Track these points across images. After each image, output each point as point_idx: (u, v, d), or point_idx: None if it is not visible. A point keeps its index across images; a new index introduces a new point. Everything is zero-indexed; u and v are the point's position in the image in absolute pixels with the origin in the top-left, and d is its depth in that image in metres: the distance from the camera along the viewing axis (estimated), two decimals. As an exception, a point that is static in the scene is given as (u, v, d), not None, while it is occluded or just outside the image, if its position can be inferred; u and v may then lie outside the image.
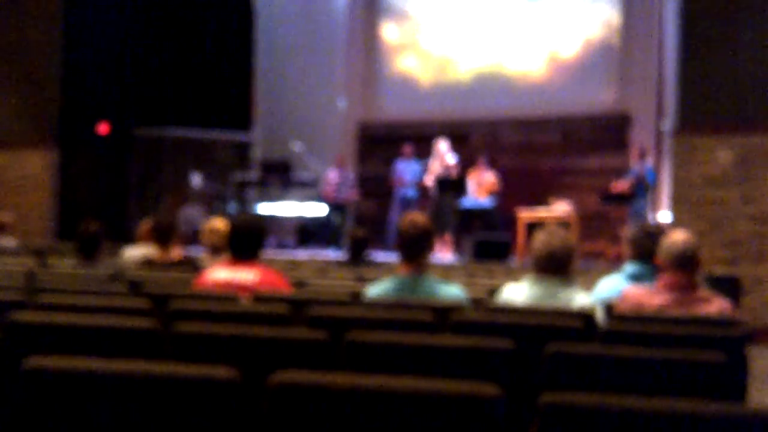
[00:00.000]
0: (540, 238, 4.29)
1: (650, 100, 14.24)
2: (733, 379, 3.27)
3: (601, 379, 2.82)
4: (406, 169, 14.06)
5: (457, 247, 13.11)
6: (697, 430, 1.99)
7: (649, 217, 12.70)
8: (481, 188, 13.40)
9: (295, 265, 8.71)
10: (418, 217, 4.52)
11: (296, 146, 14.42)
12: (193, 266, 6.30)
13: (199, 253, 7.79)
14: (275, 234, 14.19)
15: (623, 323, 3.73)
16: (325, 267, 7.99)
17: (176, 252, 6.69)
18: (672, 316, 3.94)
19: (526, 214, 12.71)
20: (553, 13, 15.56)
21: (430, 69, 16.52)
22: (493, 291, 4.85)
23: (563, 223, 12.06)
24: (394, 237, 4.60)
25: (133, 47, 15.18)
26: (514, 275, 7.11)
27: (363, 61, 16.84)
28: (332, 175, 14.26)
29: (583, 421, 2.03)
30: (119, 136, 15.02)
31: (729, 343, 3.30)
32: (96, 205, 13.94)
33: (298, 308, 3.75)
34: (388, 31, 16.85)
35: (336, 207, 14.08)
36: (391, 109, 16.57)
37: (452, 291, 4.40)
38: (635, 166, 12.95)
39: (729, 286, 8.84)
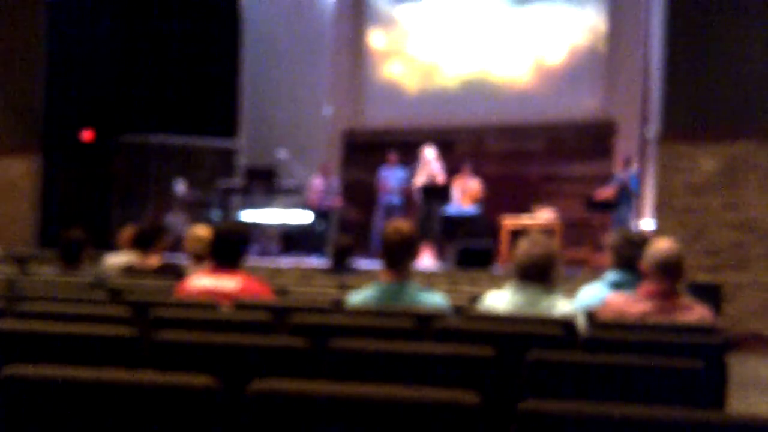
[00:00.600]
0: (522, 246, 4.30)
1: (635, 107, 14.28)
2: (712, 386, 3.29)
3: (581, 386, 2.83)
4: (390, 176, 14.07)
5: (441, 254, 13.11)
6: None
7: (633, 224, 12.74)
8: (465, 195, 13.42)
9: (278, 272, 8.70)
10: (402, 224, 4.51)
11: (281, 153, 14.40)
12: (174, 273, 6.28)
13: (182, 260, 7.77)
14: (259, 241, 14.16)
15: (604, 331, 3.74)
16: (308, 274, 7.98)
17: (157, 259, 6.67)
18: (653, 323, 3.95)
19: (510, 222, 12.73)
20: (539, 20, 15.60)
21: (415, 76, 16.54)
22: (475, 298, 4.86)
23: (547, 230, 12.07)
24: (378, 244, 4.59)
25: (118, 53, 15.16)
26: (497, 282, 7.11)
27: (349, 68, 16.84)
28: (317, 182, 14.25)
29: (561, 429, 2.03)
30: (103, 143, 14.99)
31: (708, 351, 3.31)
32: (79, 212, 13.89)
33: (279, 316, 3.75)
34: (374, 38, 16.86)
35: (320, 214, 14.06)
36: (377, 116, 16.57)
37: (434, 298, 4.40)
38: (619, 173, 12.99)
39: (711, 294, 8.88)
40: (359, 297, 4.44)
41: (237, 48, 16.04)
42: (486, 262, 11.77)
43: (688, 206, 10.42)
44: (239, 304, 4.33)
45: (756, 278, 10.11)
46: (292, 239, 14.33)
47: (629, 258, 4.55)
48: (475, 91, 15.90)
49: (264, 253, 13.98)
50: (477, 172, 13.87)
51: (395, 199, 14.06)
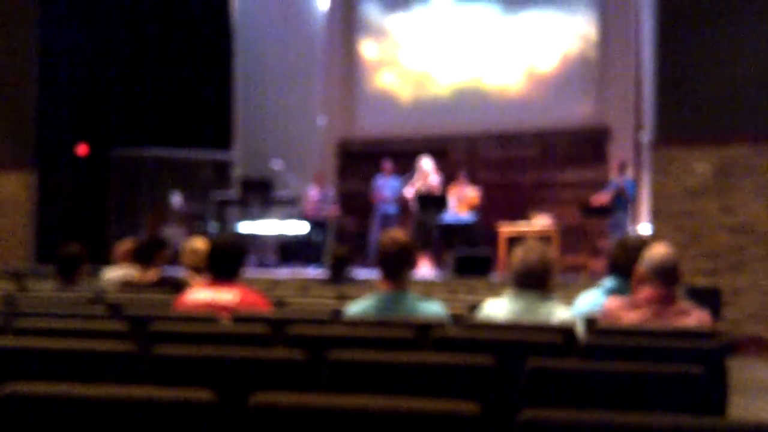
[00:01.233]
0: (518, 254, 4.30)
1: (628, 113, 14.30)
2: (713, 391, 3.28)
3: (581, 394, 2.82)
4: (385, 186, 14.07)
5: (439, 262, 13.11)
6: (676, 445, 1.99)
7: (629, 229, 12.75)
8: (461, 203, 13.42)
9: (275, 283, 8.69)
10: (398, 234, 4.52)
11: (276, 164, 14.40)
12: (173, 287, 6.27)
13: (179, 273, 7.76)
14: (256, 252, 14.15)
15: (603, 337, 3.73)
16: (306, 285, 7.98)
17: (156, 273, 6.66)
18: (651, 329, 3.95)
19: (506, 229, 12.74)
20: (530, 28, 15.63)
21: (409, 85, 16.56)
22: (473, 307, 4.85)
23: (544, 236, 12.08)
24: (374, 253, 4.59)
25: (111, 67, 15.16)
26: (495, 290, 7.11)
27: (342, 78, 16.86)
28: (312, 193, 14.25)
29: (562, 438, 2.03)
30: (98, 157, 14.97)
31: (708, 356, 3.31)
32: (76, 226, 13.86)
33: (278, 328, 3.74)
34: (367, 48, 16.88)
35: (317, 224, 14.05)
36: (371, 126, 16.58)
37: (432, 308, 4.39)
38: (615, 178, 13.00)
39: (709, 298, 8.89)
40: (358, 307, 4.44)
41: (229, 60, 16.04)
42: (484, 269, 11.77)
43: (684, 210, 10.43)
44: (237, 316, 4.32)
45: (754, 281, 10.11)
46: (289, 250, 14.32)
47: (625, 264, 4.54)
48: (468, 100, 15.92)
49: (261, 264, 13.97)
50: (472, 179, 13.87)
51: (391, 208, 14.06)
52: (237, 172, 15.84)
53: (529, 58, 15.66)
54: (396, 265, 4.39)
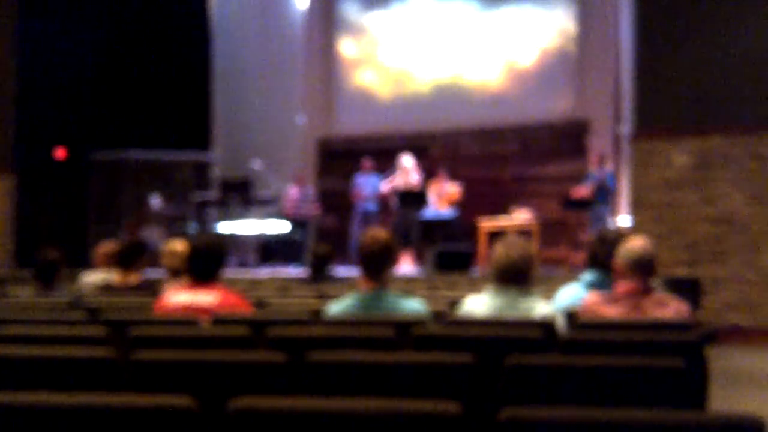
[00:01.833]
0: (499, 249, 4.30)
1: (607, 106, 14.33)
2: (694, 383, 3.29)
3: (563, 389, 2.82)
4: (366, 183, 14.05)
5: (420, 258, 13.10)
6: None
7: (610, 222, 12.78)
8: (442, 199, 13.42)
9: (256, 284, 8.67)
10: (379, 232, 4.50)
11: (256, 164, 14.36)
12: (153, 290, 6.23)
13: (159, 275, 7.72)
14: (237, 252, 14.11)
15: (584, 332, 3.74)
16: (286, 285, 7.96)
17: (137, 276, 6.60)
18: (632, 322, 3.96)
19: (487, 224, 12.74)
20: (509, 23, 15.63)
21: (388, 83, 16.55)
22: (454, 303, 4.84)
23: (524, 231, 12.09)
24: (355, 251, 4.58)
25: (88, 70, 15.07)
26: (476, 285, 7.12)
27: (321, 77, 16.83)
28: (292, 192, 14.22)
29: (543, 436, 2.03)
30: (76, 161, 14.89)
31: (688, 348, 3.31)
32: (55, 230, 13.80)
33: (258, 330, 3.72)
34: (345, 47, 16.86)
35: (297, 223, 14.03)
36: (350, 124, 16.56)
37: (413, 305, 4.38)
38: (595, 171, 13.03)
39: (689, 288, 8.94)
40: (338, 307, 4.42)
41: (208, 60, 15.99)
42: (465, 265, 11.78)
43: (664, 202, 10.48)
44: (218, 319, 4.30)
45: (733, 271, 10.17)
46: (270, 250, 14.28)
47: (604, 257, 4.55)
48: (447, 96, 15.92)
49: (242, 264, 13.93)
50: (452, 175, 13.87)
51: (371, 206, 14.04)
52: (216, 173, 15.79)
53: (508, 54, 15.66)
54: (377, 264, 4.38)
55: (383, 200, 13.87)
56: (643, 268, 4.20)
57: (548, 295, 4.98)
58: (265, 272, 12.38)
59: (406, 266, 12.70)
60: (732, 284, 10.17)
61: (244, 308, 4.77)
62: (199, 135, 15.84)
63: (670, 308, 4.15)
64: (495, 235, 11.28)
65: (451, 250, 12.16)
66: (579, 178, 13.47)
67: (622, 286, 4.23)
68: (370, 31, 16.66)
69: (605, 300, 4.23)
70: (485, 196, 14.50)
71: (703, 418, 2.10)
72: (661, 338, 3.47)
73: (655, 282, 4.68)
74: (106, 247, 7.69)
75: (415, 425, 2.11)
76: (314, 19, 16.77)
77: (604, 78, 14.45)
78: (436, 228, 13.22)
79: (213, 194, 14.60)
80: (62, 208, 14.76)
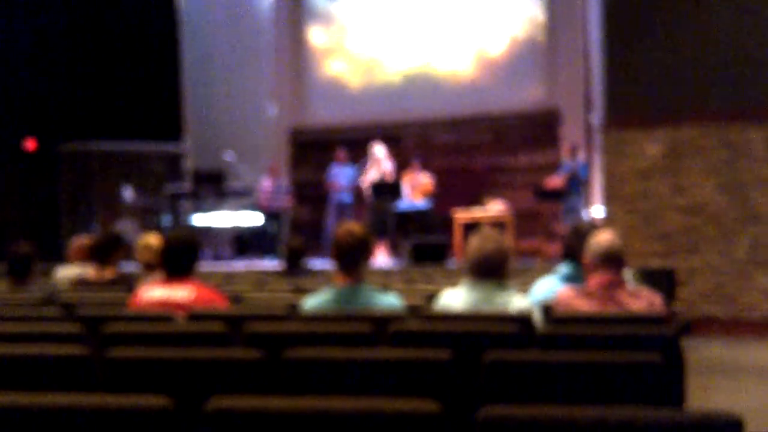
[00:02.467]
0: (474, 243, 4.29)
1: (578, 95, 14.38)
2: (671, 377, 3.30)
3: (541, 385, 2.82)
4: (340, 174, 14.03)
5: (395, 250, 13.10)
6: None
7: (583, 212, 12.82)
8: (416, 190, 13.42)
9: (231, 277, 8.63)
10: (354, 226, 4.49)
11: (228, 155, 14.30)
12: (129, 285, 6.18)
13: (133, 269, 7.67)
14: (211, 245, 14.06)
15: (561, 326, 3.74)
16: (262, 278, 7.93)
17: (113, 270, 6.54)
18: (608, 316, 3.97)
19: (462, 215, 12.76)
20: (478, 12, 15.63)
21: (358, 72, 16.51)
22: (431, 297, 4.84)
23: (498, 222, 12.12)
24: (330, 243, 4.56)
25: (56, 61, 14.94)
26: (452, 277, 7.12)
27: (291, 66, 16.77)
28: (266, 183, 14.18)
29: (522, 435, 2.03)
30: (46, 152, 14.77)
31: (665, 342, 3.32)
32: (26, 224, 13.69)
33: (234, 325, 3.70)
34: (315, 36, 16.81)
35: (271, 215, 13.99)
36: (322, 114, 16.53)
37: (390, 300, 4.38)
38: (567, 161, 13.06)
39: (663, 279, 8.99)
40: (314, 301, 4.41)
41: (177, 50, 15.88)
42: (440, 256, 11.80)
43: (636, 192, 10.51)
44: (193, 314, 4.27)
45: (707, 261, 10.22)
46: (244, 242, 14.25)
47: (579, 250, 4.56)
48: (418, 85, 15.93)
49: (217, 257, 13.89)
50: (425, 165, 13.88)
51: (346, 197, 14.02)
52: (188, 164, 15.71)
53: (478, 43, 15.67)
54: (352, 258, 4.37)
55: (358, 191, 13.85)
56: (613, 261, 4.23)
57: (524, 287, 4.98)
58: (240, 265, 12.35)
59: (381, 258, 12.70)
60: (706, 274, 10.23)
61: (220, 303, 4.74)
62: (170, 126, 15.74)
63: (643, 300, 4.18)
64: (470, 227, 11.30)
65: (427, 242, 12.17)
66: (552, 168, 13.51)
67: (594, 279, 4.25)
68: (339, 19, 16.62)
69: (579, 294, 4.25)
70: (458, 186, 14.52)
71: (682, 416, 2.10)
72: (638, 332, 3.48)
73: (630, 273, 4.71)
74: (81, 241, 7.62)
75: (393, 424, 2.10)
76: (283, 8, 16.70)
77: (574, 67, 14.49)
78: (410, 219, 13.23)
79: (186, 186, 14.53)
80: (33, 200, 14.65)
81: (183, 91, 15.99)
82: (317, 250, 12.66)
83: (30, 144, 14.55)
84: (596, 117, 12.80)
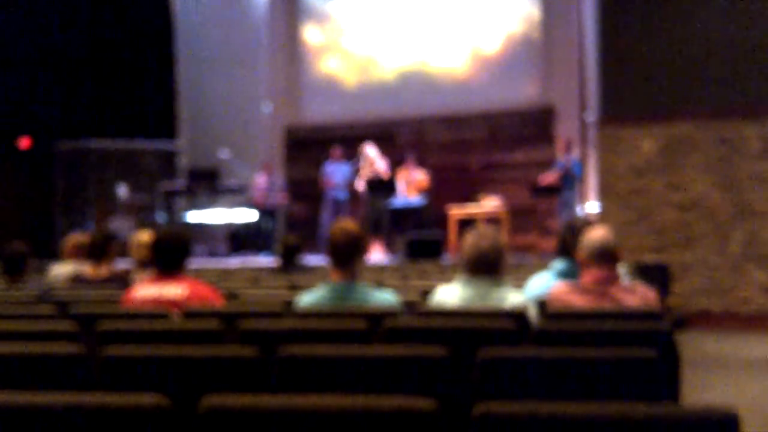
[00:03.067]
0: (469, 240, 4.29)
1: (573, 92, 14.38)
2: (666, 372, 3.30)
3: (536, 382, 2.82)
4: (335, 171, 14.03)
5: (390, 246, 13.10)
6: (631, 433, 2.00)
7: (578, 208, 12.83)
8: (410, 187, 13.42)
9: (226, 274, 8.62)
10: (348, 223, 4.48)
11: (223, 153, 14.30)
12: (124, 282, 6.17)
13: (127, 266, 7.65)
14: (206, 242, 14.05)
15: (556, 322, 3.74)
16: (257, 275, 7.92)
17: (108, 268, 6.53)
18: (603, 311, 3.97)
19: (457, 211, 12.76)
20: (473, 9, 15.64)
21: (353, 70, 16.50)
22: (426, 293, 4.83)
23: (493, 218, 12.13)
24: (326, 240, 4.55)
25: (51, 59, 14.91)
26: (447, 273, 7.12)
27: (286, 64, 16.76)
28: (261, 181, 14.18)
29: (517, 430, 2.02)
30: (41, 150, 14.75)
31: (660, 337, 3.32)
32: (21, 222, 13.67)
33: (229, 322, 3.69)
34: (310, 34, 16.79)
35: (266, 212, 14.00)
36: (317, 112, 16.52)
37: (385, 297, 4.37)
38: (562, 158, 13.07)
39: (658, 274, 8.99)
40: (309, 298, 4.40)
41: (172, 48, 15.86)
42: (435, 252, 11.80)
43: (631, 188, 10.53)
44: (188, 312, 4.26)
45: (701, 256, 10.24)
46: (239, 239, 14.25)
47: (574, 246, 4.56)
48: (413, 83, 15.92)
49: (212, 254, 13.88)
50: (420, 162, 13.88)
51: (341, 194, 14.03)
52: (183, 162, 15.71)
53: (473, 40, 15.67)
54: (347, 255, 4.36)
55: (353, 188, 13.85)
56: (606, 257, 4.23)
57: (519, 283, 4.98)
58: (235, 262, 12.34)
59: (376, 254, 12.70)
60: (701, 269, 10.25)
61: (214, 299, 4.73)
62: (165, 124, 15.73)
63: (637, 295, 4.18)
64: (465, 223, 11.31)
65: (422, 238, 12.17)
66: (546, 164, 13.52)
67: (588, 275, 4.25)
68: (335, 18, 16.60)
69: (573, 289, 4.25)
70: (453, 183, 14.53)
71: (677, 411, 2.10)
72: (632, 327, 3.48)
73: (624, 268, 4.71)
74: (76, 238, 7.60)
75: (389, 422, 2.10)
76: (278, 6, 16.70)
77: (569, 64, 14.50)
78: (405, 216, 13.24)
79: (180, 183, 14.53)
80: (28, 198, 14.63)
81: (178, 89, 15.98)
82: (312, 247, 12.65)
83: (25, 142, 14.54)
84: (591, 114, 12.81)
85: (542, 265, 5.74)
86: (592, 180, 13.08)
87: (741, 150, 10.18)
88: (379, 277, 7.05)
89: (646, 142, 10.47)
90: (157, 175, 15.13)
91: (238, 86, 16.13)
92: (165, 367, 2.99)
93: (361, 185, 13.43)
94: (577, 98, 14.27)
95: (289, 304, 4.47)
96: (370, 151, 13.53)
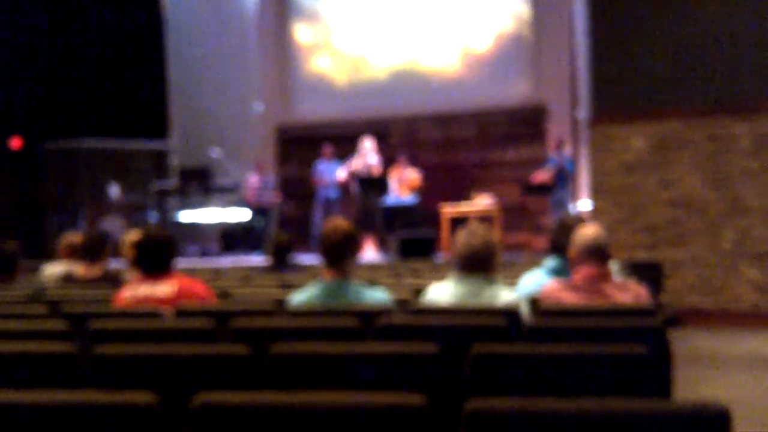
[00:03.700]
0: (462, 238, 4.29)
1: (564, 90, 14.39)
2: (658, 369, 3.31)
3: (529, 379, 2.82)
4: (327, 170, 14.03)
5: (382, 245, 13.10)
6: (624, 430, 2.00)
7: (570, 206, 12.84)
8: (403, 185, 13.42)
9: (218, 273, 8.61)
10: (341, 222, 4.48)
11: (215, 152, 14.28)
12: (117, 281, 6.16)
13: (119, 266, 7.65)
14: (198, 241, 14.04)
15: (548, 319, 3.75)
16: (249, 274, 7.91)
17: (101, 268, 6.52)
18: (595, 308, 3.98)
19: (449, 210, 12.76)
20: (464, 8, 15.64)
21: (344, 68, 16.49)
22: (418, 291, 4.84)
23: (486, 216, 12.14)
24: (318, 238, 4.54)
25: (42, 59, 14.89)
26: (440, 272, 7.12)
27: (277, 63, 16.74)
28: (253, 180, 14.18)
29: (508, 427, 2.02)
30: (33, 150, 14.72)
31: (652, 334, 3.33)
32: (13, 222, 13.64)
33: (221, 321, 3.69)
34: (300, 32, 16.78)
35: (258, 211, 14.00)
36: (308, 111, 16.51)
37: (377, 295, 4.37)
38: (554, 156, 13.08)
39: (650, 271, 9.01)
40: (301, 296, 4.40)
41: (163, 48, 15.84)
42: (428, 251, 11.80)
43: (623, 186, 10.55)
44: (180, 310, 4.26)
45: (693, 253, 10.27)
46: (232, 238, 14.24)
47: (566, 243, 4.57)
48: (404, 81, 15.92)
49: (204, 253, 13.87)
50: (412, 161, 13.89)
51: (333, 193, 14.03)
52: (175, 162, 15.69)
53: (464, 39, 15.67)
54: (339, 254, 4.36)
55: (345, 187, 13.85)
56: (598, 254, 4.24)
57: (511, 281, 4.99)
58: (227, 261, 12.33)
59: (369, 253, 12.70)
60: (692, 266, 10.28)
61: (205, 296, 4.73)
62: (156, 123, 15.72)
63: (630, 292, 4.19)
64: (457, 221, 11.31)
65: (414, 237, 12.17)
66: (538, 162, 13.53)
67: (580, 272, 4.26)
68: (325, 16, 16.59)
69: (565, 287, 4.26)
70: (445, 181, 14.54)
71: (669, 407, 2.11)
72: (624, 324, 3.49)
73: (616, 265, 4.72)
74: (71, 238, 7.58)
75: (380, 418, 2.10)
76: (268, 5, 16.67)
77: (560, 62, 14.51)
78: (398, 214, 13.23)
79: (172, 183, 14.51)
80: (19, 199, 14.60)
81: (169, 89, 15.96)
82: (304, 246, 12.66)
83: (16, 142, 14.51)
84: (582, 112, 12.82)
85: (534, 263, 5.74)
86: (584, 178, 13.09)
87: (732, 147, 10.20)
88: (372, 275, 7.05)
89: (638, 140, 10.49)
90: (149, 175, 15.12)
91: (229, 85, 16.12)
92: (157, 365, 2.99)
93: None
94: (569, 96, 14.28)
95: (280, 302, 4.47)
96: (367, 144, 13.53)
